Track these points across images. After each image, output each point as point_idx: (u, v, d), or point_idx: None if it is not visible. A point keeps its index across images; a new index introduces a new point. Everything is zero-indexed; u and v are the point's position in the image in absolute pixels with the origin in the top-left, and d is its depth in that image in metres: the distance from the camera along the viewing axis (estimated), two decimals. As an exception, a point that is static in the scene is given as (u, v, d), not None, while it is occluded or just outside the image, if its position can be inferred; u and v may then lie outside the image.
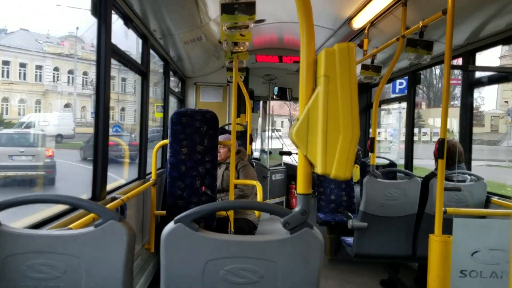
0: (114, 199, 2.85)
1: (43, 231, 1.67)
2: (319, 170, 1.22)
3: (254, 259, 1.35)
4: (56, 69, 20.29)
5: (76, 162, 12.72)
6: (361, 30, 4.21)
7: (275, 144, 8.30)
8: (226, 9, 2.24)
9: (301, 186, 1.32)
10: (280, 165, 7.56)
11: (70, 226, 2.07)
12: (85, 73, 20.59)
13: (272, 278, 1.35)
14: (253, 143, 6.39)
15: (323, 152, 1.20)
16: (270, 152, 7.46)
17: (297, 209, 1.32)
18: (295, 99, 7.36)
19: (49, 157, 10.29)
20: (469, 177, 3.57)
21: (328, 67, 1.18)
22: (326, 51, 1.18)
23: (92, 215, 2.23)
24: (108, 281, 1.38)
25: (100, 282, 1.38)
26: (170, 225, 1.35)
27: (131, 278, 1.44)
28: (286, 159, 7.80)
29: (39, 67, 19.79)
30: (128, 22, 3.19)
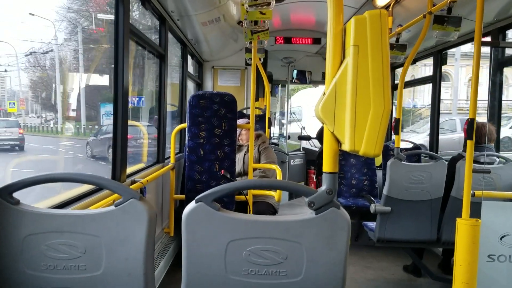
0: (134, 182, 2.83)
1: (63, 210, 1.65)
2: (347, 147, 1.15)
3: (278, 239, 1.30)
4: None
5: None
6: (385, 8, 4.07)
7: (293, 129, 8.20)
8: None
9: (327, 164, 1.25)
10: (299, 150, 7.48)
11: (90, 208, 2.06)
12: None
13: (296, 259, 1.30)
14: (272, 128, 6.32)
15: (351, 127, 1.13)
16: (289, 137, 7.37)
17: (323, 188, 1.26)
18: (315, 82, 7.23)
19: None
20: (497, 159, 3.44)
21: (358, 36, 1.10)
22: (356, 19, 1.10)
23: (111, 197, 2.21)
24: (129, 260, 1.35)
25: (122, 262, 1.35)
26: (191, 205, 1.30)
27: (153, 257, 1.41)
28: (305, 144, 7.70)
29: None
30: (146, 2, 3.14)
